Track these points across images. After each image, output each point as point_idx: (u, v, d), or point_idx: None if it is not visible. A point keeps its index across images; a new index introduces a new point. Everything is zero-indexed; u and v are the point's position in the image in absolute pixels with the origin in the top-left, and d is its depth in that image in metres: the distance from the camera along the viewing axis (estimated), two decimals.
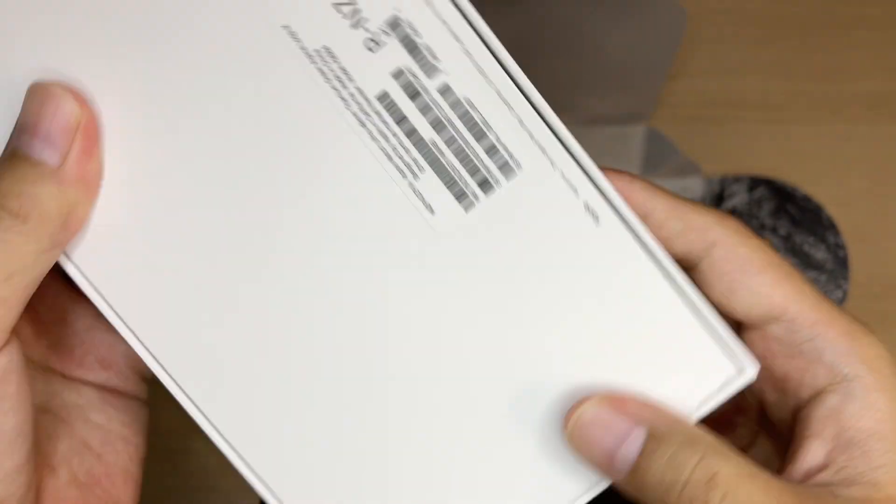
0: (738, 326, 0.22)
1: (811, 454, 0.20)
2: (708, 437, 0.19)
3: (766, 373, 0.21)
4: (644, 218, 0.21)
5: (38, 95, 0.19)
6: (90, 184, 0.19)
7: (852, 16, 0.43)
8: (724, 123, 0.42)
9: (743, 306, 0.21)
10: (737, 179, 0.41)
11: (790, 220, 0.41)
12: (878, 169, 0.42)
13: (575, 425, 0.20)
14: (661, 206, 0.21)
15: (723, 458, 0.19)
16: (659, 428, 0.20)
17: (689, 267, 0.21)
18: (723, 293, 0.21)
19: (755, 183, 0.41)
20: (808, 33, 0.43)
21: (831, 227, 0.41)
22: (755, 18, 0.43)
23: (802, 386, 0.21)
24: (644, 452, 0.19)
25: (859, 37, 0.43)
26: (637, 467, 0.19)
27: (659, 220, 0.21)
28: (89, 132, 0.19)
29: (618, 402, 0.20)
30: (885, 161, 0.42)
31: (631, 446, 0.19)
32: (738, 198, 0.41)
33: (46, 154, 0.18)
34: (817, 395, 0.21)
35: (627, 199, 0.20)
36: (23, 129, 0.19)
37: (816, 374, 0.20)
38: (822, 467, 0.20)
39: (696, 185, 0.40)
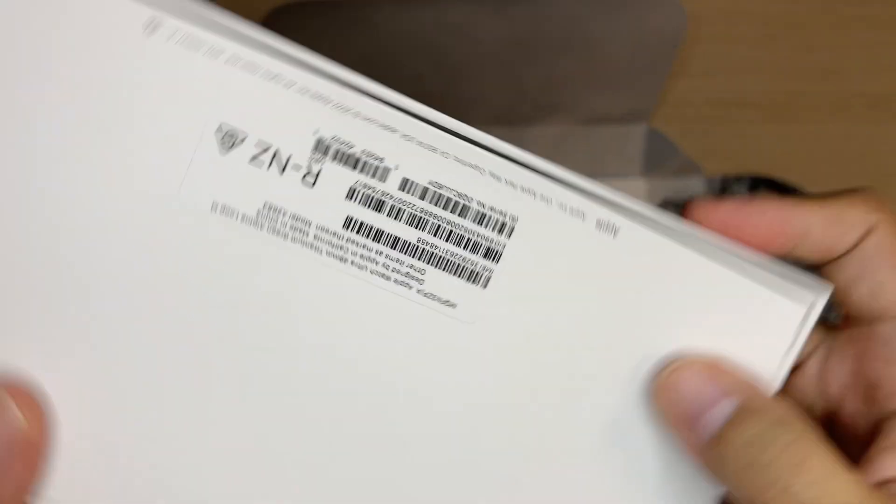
0: (844, 320, 0.21)
1: (889, 464, 0.19)
2: (801, 421, 0.18)
3: (855, 378, 0.20)
4: (799, 241, 0.20)
5: None
6: None
7: (852, 16, 0.43)
8: (725, 123, 0.42)
9: (862, 297, 0.20)
10: (738, 179, 0.41)
11: None
12: (881, 169, 0.42)
13: (663, 383, 0.19)
14: (817, 223, 0.20)
15: (815, 445, 0.17)
16: (752, 402, 0.18)
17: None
18: (847, 278, 0.20)
19: (756, 182, 0.41)
20: (808, 33, 0.43)
21: None
22: (755, 18, 0.43)
23: (893, 397, 0.20)
24: (731, 422, 0.18)
25: (859, 37, 0.43)
26: (720, 438, 0.18)
27: (817, 238, 0.20)
28: (30, 453, 0.17)
29: (713, 368, 0.19)
30: (887, 161, 0.42)
31: (718, 414, 0.18)
32: (740, 197, 0.41)
33: None
34: None
35: (783, 227, 0.19)
36: None
37: None
38: None
39: (696, 185, 0.40)
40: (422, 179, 0.18)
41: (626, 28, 0.37)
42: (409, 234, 0.19)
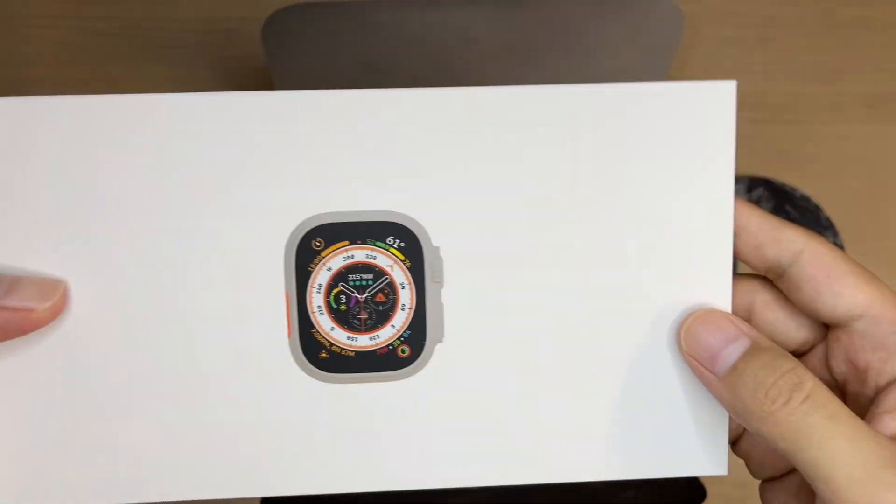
0: (826, 328, 0.25)
1: (883, 426, 0.23)
2: (794, 358, 0.23)
3: (849, 366, 0.25)
4: (739, 230, 0.25)
5: None
6: None
7: (852, 17, 0.43)
8: None
9: (827, 307, 0.24)
10: (736, 180, 0.41)
11: (788, 220, 0.41)
12: (877, 169, 0.42)
13: (691, 324, 0.24)
14: (755, 220, 0.25)
15: (810, 374, 0.22)
16: (761, 342, 0.24)
17: (777, 275, 0.25)
18: (809, 295, 0.24)
19: (754, 183, 0.42)
20: (808, 33, 0.43)
21: (829, 227, 0.41)
22: (755, 18, 0.43)
23: (882, 374, 0.24)
24: (745, 356, 0.23)
25: (859, 37, 0.43)
26: (735, 367, 0.23)
27: (753, 231, 0.25)
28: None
29: (732, 315, 0.25)
30: (883, 161, 0.42)
31: (735, 349, 0.23)
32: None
33: None
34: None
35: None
36: None
37: None
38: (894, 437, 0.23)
39: None
40: None
41: (624, 30, 0.37)
42: None
